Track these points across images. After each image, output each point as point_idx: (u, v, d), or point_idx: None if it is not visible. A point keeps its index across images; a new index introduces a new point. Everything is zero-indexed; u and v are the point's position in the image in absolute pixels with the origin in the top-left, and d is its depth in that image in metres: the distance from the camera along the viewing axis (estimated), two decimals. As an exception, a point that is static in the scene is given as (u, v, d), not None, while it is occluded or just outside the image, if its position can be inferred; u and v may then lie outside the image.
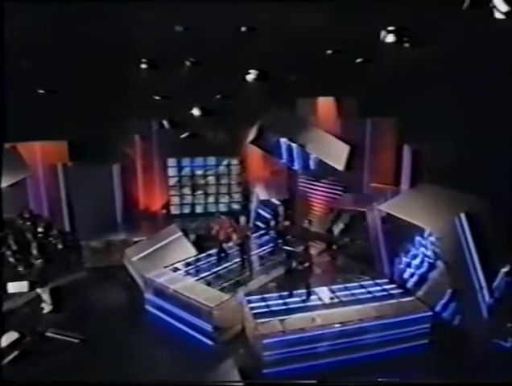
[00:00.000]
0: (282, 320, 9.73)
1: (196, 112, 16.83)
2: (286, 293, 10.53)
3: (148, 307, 11.95)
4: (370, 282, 11.62)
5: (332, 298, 10.72)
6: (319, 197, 15.41)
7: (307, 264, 10.13)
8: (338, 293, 10.94)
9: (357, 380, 9.23)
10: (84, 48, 17.36)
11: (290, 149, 14.33)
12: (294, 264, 10.16)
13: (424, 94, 13.50)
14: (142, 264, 12.54)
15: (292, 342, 9.29)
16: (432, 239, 9.67)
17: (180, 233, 13.77)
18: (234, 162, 17.55)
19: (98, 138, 16.26)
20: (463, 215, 8.78)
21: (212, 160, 17.52)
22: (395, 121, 14.22)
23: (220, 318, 10.30)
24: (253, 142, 13.46)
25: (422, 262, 10.37)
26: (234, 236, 11.84)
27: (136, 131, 16.95)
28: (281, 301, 10.51)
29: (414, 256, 10.51)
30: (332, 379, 9.20)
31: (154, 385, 9.66)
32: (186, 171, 17.46)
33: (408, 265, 10.81)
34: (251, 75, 14.76)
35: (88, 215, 15.63)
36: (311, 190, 15.60)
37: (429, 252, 9.91)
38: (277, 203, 15.22)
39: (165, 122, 15.87)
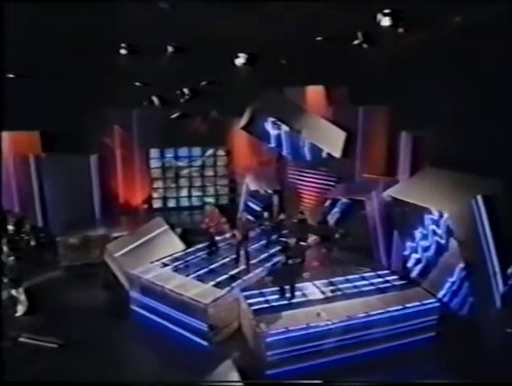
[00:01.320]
0: (284, 316, 8.86)
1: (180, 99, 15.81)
2: (285, 287, 9.63)
3: (134, 307, 10.85)
4: (372, 274, 10.95)
5: (333, 291, 9.96)
6: (310, 188, 14.69)
7: (298, 260, 9.33)
8: (340, 286, 10.18)
9: (363, 380, 8.50)
10: (59, 31, 15.94)
11: (281, 137, 13.57)
12: (285, 258, 9.31)
13: (421, 80, 12.92)
14: (126, 261, 11.40)
15: (297, 339, 8.44)
16: (444, 222, 9.01)
17: (166, 226, 12.70)
18: (221, 152, 16.65)
19: (74, 128, 14.98)
20: (480, 198, 8.18)
21: (197, 150, 16.53)
22: (388, 110, 13.68)
23: (215, 316, 9.34)
24: (245, 128, 12.53)
25: (429, 246, 9.66)
26: (227, 229, 10.90)
27: (115, 119, 15.79)
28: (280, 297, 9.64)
29: (424, 237, 9.74)
30: (339, 378, 8.41)
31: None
32: (169, 162, 16.41)
33: (414, 251, 10.13)
34: (240, 59, 13.81)
35: (63, 210, 14.35)
36: (302, 181, 14.87)
37: (439, 233, 9.20)
38: (267, 194, 14.42)
39: (155, 99, 14.67)
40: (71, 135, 14.95)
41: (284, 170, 15.21)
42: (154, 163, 16.26)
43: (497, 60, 11.89)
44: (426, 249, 9.75)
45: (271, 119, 12.17)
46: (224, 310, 9.57)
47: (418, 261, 10.16)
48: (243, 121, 12.56)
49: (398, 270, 11.06)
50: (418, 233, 9.93)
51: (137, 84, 16.07)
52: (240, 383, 8.11)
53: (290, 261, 9.19)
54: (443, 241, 9.11)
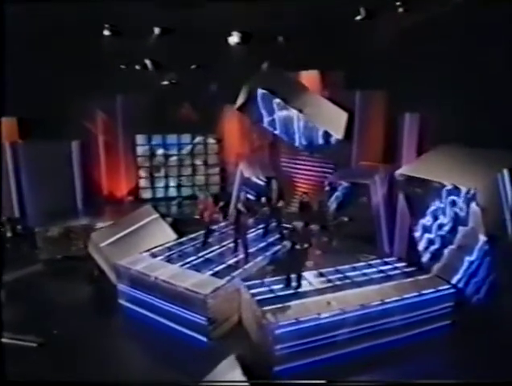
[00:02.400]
0: (293, 306, 7.93)
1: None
2: (291, 275, 8.70)
3: (122, 301, 9.73)
4: (379, 261, 10.14)
5: (341, 279, 9.09)
6: (306, 175, 13.83)
7: (306, 245, 8.35)
8: (347, 274, 9.32)
9: (370, 380, 7.64)
10: (36, 13, 14.58)
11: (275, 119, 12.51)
12: (291, 244, 8.35)
13: (421, 62, 12.19)
14: (112, 251, 10.26)
15: (308, 330, 7.52)
16: (466, 198, 8.20)
17: (157, 214, 11.60)
18: (211, 140, 15.65)
19: (54, 113, 13.73)
20: (506, 171, 7.46)
21: (186, 138, 15.47)
22: (387, 94, 12.91)
23: (215, 308, 8.33)
24: (240, 109, 11.55)
25: (446, 223, 8.83)
26: (221, 217, 9.90)
27: (98, 104, 14.59)
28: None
29: (441, 213, 8.87)
30: (354, 373, 7.53)
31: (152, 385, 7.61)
32: (157, 150, 15.29)
33: (428, 230, 9.30)
34: (234, 38, 12.80)
35: (42, 200, 13.11)
36: (297, 169, 14.00)
37: (459, 209, 8.38)
38: (262, 182, 13.48)
39: (148, 62, 13.51)
40: (51, 121, 13.71)
41: (278, 156, 14.32)
42: (141, 151, 15.12)
43: (500, 39, 11.22)
44: (441, 227, 8.92)
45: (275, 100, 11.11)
46: (224, 302, 8.57)
47: (430, 243, 9.35)
48: (239, 101, 11.57)
49: (402, 257, 10.31)
50: (433, 211, 9.11)
51: (122, 66, 14.90)
52: (240, 384, 7.15)
53: (297, 247, 8.24)
54: (462, 213, 8.27)
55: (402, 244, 10.80)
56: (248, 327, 8.66)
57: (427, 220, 9.23)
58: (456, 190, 8.32)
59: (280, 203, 10.73)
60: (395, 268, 9.71)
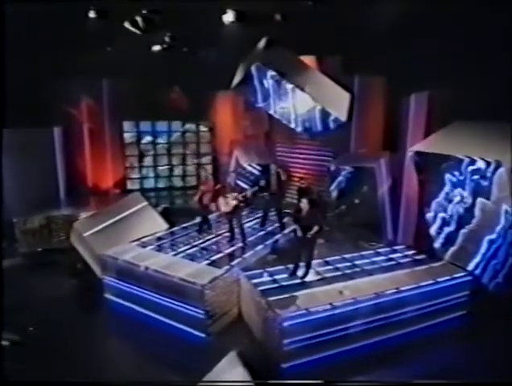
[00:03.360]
0: (300, 296, 7.03)
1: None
2: (298, 263, 7.80)
3: (108, 295, 8.69)
4: (387, 249, 9.34)
5: (350, 267, 8.24)
6: (303, 164, 12.97)
7: (316, 229, 7.38)
8: (356, 262, 8.47)
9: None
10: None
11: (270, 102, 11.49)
12: (300, 229, 7.43)
13: (420, 43, 11.43)
14: (97, 241, 9.21)
15: (319, 322, 6.62)
16: (491, 172, 7.44)
17: (146, 202, 10.57)
18: (203, 128, 14.68)
19: (36, 98, 12.57)
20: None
21: (177, 125, 14.46)
22: (386, 79, 12.13)
23: (213, 300, 7.38)
24: (237, 88, 10.63)
25: (463, 201, 8.04)
26: (222, 201, 8.94)
27: (83, 88, 13.47)
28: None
29: (461, 188, 8.07)
30: (366, 369, 6.68)
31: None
32: (146, 138, 14.24)
33: (442, 210, 8.51)
34: (229, 16, 11.87)
35: (21, 189, 11.88)
36: (294, 157, 13.13)
37: (483, 183, 7.62)
38: (257, 172, 12.59)
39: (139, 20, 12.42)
40: (31, 106, 12.54)
41: (274, 144, 13.43)
42: (129, 138, 14.04)
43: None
44: (459, 204, 8.12)
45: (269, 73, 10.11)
46: (223, 293, 7.62)
47: (444, 225, 8.55)
48: (235, 79, 10.64)
49: (410, 245, 9.54)
50: (450, 189, 8.32)
51: (108, 48, 13.82)
52: (239, 384, 6.24)
53: (308, 235, 7.32)
54: (484, 187, 7.49)
55: (409, 232, 10.02)
56: (249, 321, 7.72)
57: (442, 198, 8.43)
58: (478, 164, 7.56)
59: (280, 189, 9.83)
60: (405, 256, 8.91)
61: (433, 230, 8.77)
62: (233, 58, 12.32)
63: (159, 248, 8.97)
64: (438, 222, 8.65)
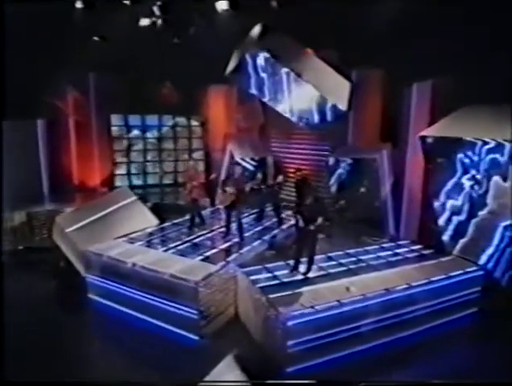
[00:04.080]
0: (305, 293, 6.31)
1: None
2: (299, 259, 7.09)
3: (92, 296, 7.87)
4: (392, 244, 8.70)
5: (355, 263, 7.56)
6: (299, 159, 12.30)
7: (320, 220, 6.66)
8: (361, 257, 7.80)
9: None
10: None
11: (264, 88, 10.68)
12: (303, 222, 6.70)
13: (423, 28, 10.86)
14: (81, 237, 8.38)
15: (327, 321, 5.91)
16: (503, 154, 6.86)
17: (134, 197, 9.77)
18: (195, 122, 13.94)
19: (16, 88, 11.68)
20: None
21: (168, 119, 13.69)
22: (386, 70, 11.55)
23: (208, 299, 6.61)
24: (232, 74, 9.93)
25: (479, 182, 7.41)
26: (220, 196, 8.21)
27: (69, 79, 12.63)
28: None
29: (475, 172, 7.44)
30: (377, 371, 5.98)
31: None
32: (135, 132, 13.43)
33: (453, 197, 7.88)
34: (222, 4, 11.15)
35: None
36: (290, 152, 12.46)
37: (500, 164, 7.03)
38: (251, 167, 11.89)
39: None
40: (13, 97, 11.66)
41: (269, 139, 12.75)
42: (117, 133, 13.22)
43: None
44: (471, 190, 7.50)
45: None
46: (218, 291, 6.86)
47: (454, 214, 7.93)
48: (230, 66, 9.94)
49: (414, 240, 8.92)
50: (462, 174, 7.70)
51: (95, 38, 13.01)
52: (237, 384, 5.50)
53: (311, 227, 6.60)
54: (502, 160, 6.87)
55: (413, 226, 9.41)
56: (247, 322, 6.97)
57: (452, 186, 7.82)
58: (495, 146, 6.98)
59: (280, 178, 9.11)
60: (412, 251, 8.27)
61: (441, 221, 8.13)
62: (226, 48, 11.66)
63: (149, 244, 8.18)
64: (447, 212, 8.02)
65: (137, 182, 13.40)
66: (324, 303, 5.97)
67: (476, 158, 7.42)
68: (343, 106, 9.66)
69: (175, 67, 13.01)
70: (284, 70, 9.28)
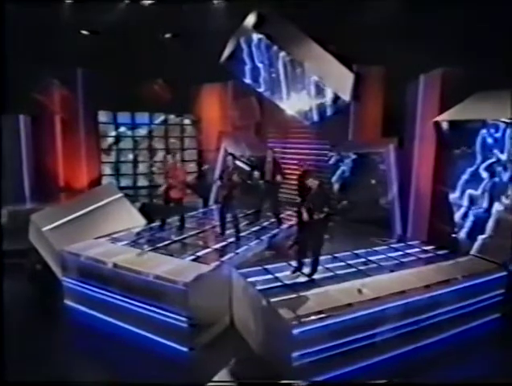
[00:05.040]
0: (312, 296, 5.36)
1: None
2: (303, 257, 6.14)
3: (69, 302, 6.82)
4: (402, 244, 7.81)
5: (365, 263, 6.64)
6: (298, 159, 11.41)
7: (326, 211, 5.75)
8: (371, 258, 6.87)
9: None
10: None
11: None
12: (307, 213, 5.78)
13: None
14: (59, 237, 7.37)
15: (338, 329, 4.94)
16: None
17: (120, 194, 8.80)
18: (187, 121, 13.07)
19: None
20: None
21: (159, 117, 12.79)
22: (388, 64, 10.79)
23: (199, 304, 5.62)
24: (227, 62, 9.08)
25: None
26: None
27: (55, 74, 11.72)
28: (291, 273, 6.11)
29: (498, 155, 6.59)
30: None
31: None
32: (124, 130, 12.50)
33: (472, 186, 7.03)
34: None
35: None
36: (288, 150, 11.58)
37: None
38: (247, 167, 10.99)
39: None
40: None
41: (265, 137, 11.88)
42: (104, 130, 12.27)
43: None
44: (493, 177, 6.65)
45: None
46: (211, 295, 5.87)
47: (470, 207, 7.07)
48: (226, 52, 9.11)
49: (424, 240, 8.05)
50: (482, 160, 6.86)
51: (84, 32, 12.16)
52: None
53: (315, 217, 5.68)
54: None
55: (422, 226, 8.54)
56: (244, 331, 5.98)
57: (470, 175, 6.97)
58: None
59: (279, 178, 8.19)
60: (424, 251, 7.37)
61: (457, 217, 7.25)
62: (220, 43, 10.86)
63: (133, 244, 7.17)
64: (463, 207, 7.15)
65: (125, 182, 12.40)
66: (335, 308, 5.01)
67: (498, 142, 6.59)
68: (346, 97, 8.84)
69: (167, 63, 12.21)
70: (282, 56, 8.44)
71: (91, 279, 6.38)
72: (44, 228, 7.51)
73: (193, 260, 6.38)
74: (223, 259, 6.46)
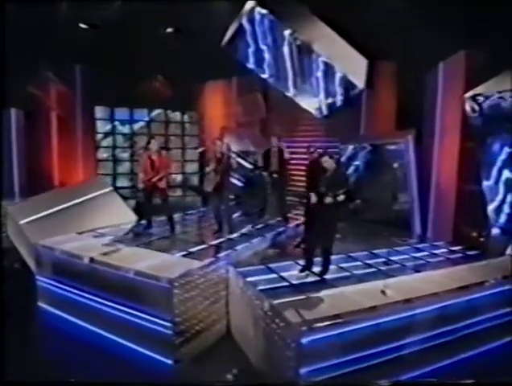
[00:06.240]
0: (326, 298, 4.29)
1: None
2: (311, 253, 5.07)
3: (42, 304, 5.81)
4: (426, 244, 6.71)
5: (386, 263, 5.55)
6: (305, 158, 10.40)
7: (342, 195, 4.69)
8: (392, 258, 5.78)
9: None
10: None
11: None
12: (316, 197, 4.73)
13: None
14: (39, 231, 6.40)
15: (355, 338, 3.84)
16: None
17: (110, 188, 7.86)
18: (187, 118, 12.24)
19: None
20: None
21: (159, 113, 11.97)
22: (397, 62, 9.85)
23: (187, 306, 4.57)
24: (228, 45, 8.22)
25: None
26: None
27: (51, 68, 10.99)
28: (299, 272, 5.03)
29: None
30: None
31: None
32: (122, 127, 11.66)
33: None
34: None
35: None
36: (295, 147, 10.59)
37: None
38: (249, 165, 10.06)
39: None
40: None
41: (270, 134, 10.94)
42: (102, 127, 11.45)
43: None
44: None
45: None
46: (202, 297, 4.81)
47: (502, 204, 5.98)
48: (227, 35, 8.26)
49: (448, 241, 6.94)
50: None
51: (83, 25, 11.45)
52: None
53: (328, 199, 4.65)
54: None
55: (445, 225, 7.43)
56: (242, 340, 4.89)
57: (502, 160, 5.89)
58: None
59: (284, 169, 7.20)
60: (453, 251, 6.27)
61: (491, 209, 6.13)
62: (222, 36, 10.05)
63: (119, 239, 6.16)
64: (497, 199, 6.06)
65: (122, 183, 11.50)
66: (353, 311, 3.93)
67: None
68: (360, 83, 7.88)
69: (168, 59, 11.43)
70: (288, 36, 7.51)
71: (65, 276, 5.38)
72: (22, 221, 6.56)
73: (184, 256, 5.34)
74: (219, 255, 5.42)
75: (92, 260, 5.07)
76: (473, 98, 6.04)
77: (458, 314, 4.48)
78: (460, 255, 6.10)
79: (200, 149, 8.29)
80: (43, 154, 10.96)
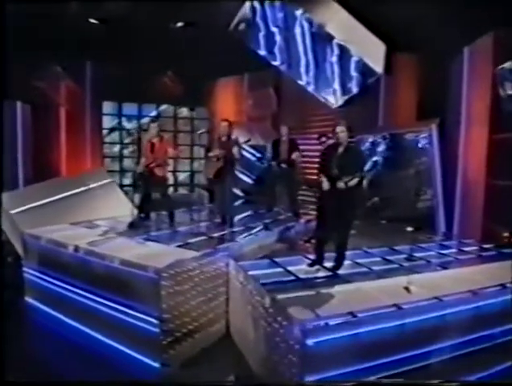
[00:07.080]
0: (338, 294, 3.63)
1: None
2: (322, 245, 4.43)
3: (29, 298, 5.32)
4: (453, 241, 5.97)
5: (410, 259, 4.83)
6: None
7: (356, 178, 4.04)
8: (416, 254, 5.06)
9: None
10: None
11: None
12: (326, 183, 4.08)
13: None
14: (30, 221, 5.94)
15: (373, 340, 3.17)
16: None
17: (110, 179, 7.41)
18: (196, 114, 11.80)
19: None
20: None
21: (168, 109, 11.57)
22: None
23: (177, 301, 3.97)
24: (237, 29, 7.74)
25: None
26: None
27: (62, 64, 10.75)
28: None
29: None
30: None
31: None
32: (129, 123, 11.30)
33: None
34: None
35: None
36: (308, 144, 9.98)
37: None
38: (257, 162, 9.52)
39: None
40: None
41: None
42: (108, 123, 11.11)
43: None
44: None
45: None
46: (196, 291, 4.21)
47: None
48: (236, 19, 7.77)
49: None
50: None
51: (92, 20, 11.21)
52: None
53: (340, 185, 4.04)
54: None
55: (473, 222, 6.66)
56: (241, 342, 4.25)
57: None
58: None
59: (295, 155, 6.59)
60: (484, 249, 5.51)
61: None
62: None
63: (112, 230, 5.63)
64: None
65: (129, 180, 11.09)
66: (371, 309, 3.26)
67: None
68: (378, 68, 7.23)
69: (178, 54, 11.05)
70: (299, 14, 6.91)
71: (49, 267, 4.87)
72: (13, 211, 6.13)
73: (180, 247, 4.77)
74: (218, 247, 4.82)
75: (76, 248, 4.55)
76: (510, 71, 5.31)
77: (494, 315, 3.74)
78: (492, 253, 5.34)
79: (203, 130, 7.72)
80: (48, 149, 10.69)
